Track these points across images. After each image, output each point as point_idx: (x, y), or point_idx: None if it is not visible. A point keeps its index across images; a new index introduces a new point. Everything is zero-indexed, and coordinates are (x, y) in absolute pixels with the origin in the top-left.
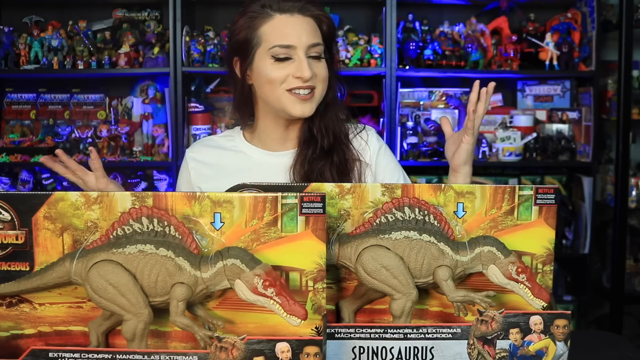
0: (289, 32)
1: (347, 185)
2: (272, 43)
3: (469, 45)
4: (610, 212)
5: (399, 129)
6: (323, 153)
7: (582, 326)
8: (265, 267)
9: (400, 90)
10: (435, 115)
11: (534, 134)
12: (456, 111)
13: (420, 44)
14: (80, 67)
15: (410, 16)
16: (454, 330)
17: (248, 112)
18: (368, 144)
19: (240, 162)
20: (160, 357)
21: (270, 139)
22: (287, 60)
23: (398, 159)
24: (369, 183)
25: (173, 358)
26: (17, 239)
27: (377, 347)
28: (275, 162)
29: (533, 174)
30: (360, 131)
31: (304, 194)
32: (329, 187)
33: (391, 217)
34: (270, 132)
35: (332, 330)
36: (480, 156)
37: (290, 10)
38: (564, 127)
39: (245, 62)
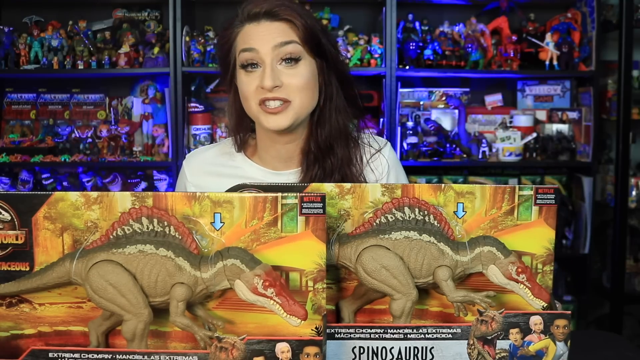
0: (253, 36)
1: (347, 185)
2: (239, 50)
3: (469, 45)
4: (610, 212)
5: (399, 129)
6: (325, 173)
7: (582, 326)
8: (265, 267)
9: (400, 90)
10: (435, 115)
11: (534, 134)
12: (456, 111)
13: (420, 44)
14: (80, 67)
15: (410, 16)
16: (454, 330)
17: (247, 128)
18: (382, 172)
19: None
20: (160, 357)
21: (271, 157)
22: (254, 68)
23: (398, 158)
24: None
25: (173, 358)
26: (17, 239)
27: (377, 347)
28: (279, 181)
29: (533, 174)
30: (375, 152)
31: (304, 194)
32: (329, 187)
33: (391, 217)
34: (270, 150)
35: (332, 331)
36: (480, 156)
37: (256, 18)
38: (564, 127)
39: (228, 77)
